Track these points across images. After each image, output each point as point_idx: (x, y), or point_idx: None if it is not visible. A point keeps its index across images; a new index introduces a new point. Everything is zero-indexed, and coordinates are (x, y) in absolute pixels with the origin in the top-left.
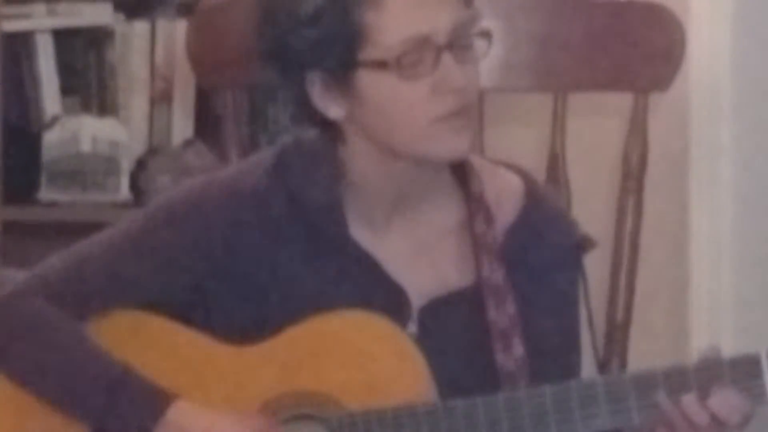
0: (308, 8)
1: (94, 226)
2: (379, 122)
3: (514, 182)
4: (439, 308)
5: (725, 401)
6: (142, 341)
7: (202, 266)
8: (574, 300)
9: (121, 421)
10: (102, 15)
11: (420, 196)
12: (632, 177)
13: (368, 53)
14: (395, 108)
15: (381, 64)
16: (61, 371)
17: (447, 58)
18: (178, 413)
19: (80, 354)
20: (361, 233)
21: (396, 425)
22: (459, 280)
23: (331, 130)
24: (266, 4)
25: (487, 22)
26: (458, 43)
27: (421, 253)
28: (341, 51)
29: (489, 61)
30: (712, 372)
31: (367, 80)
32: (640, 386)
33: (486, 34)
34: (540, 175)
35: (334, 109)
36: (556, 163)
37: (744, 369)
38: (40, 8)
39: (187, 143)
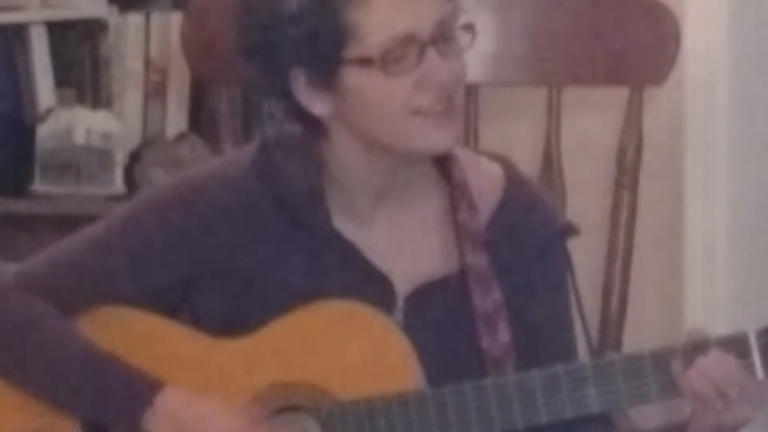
0: (292, 6)
1: (88, 219)
2: (364, 117)
3: (495, 171)
4: (425, 295)
5: (711, 360)
6: (129, 338)
7: (185, 261)
8: (561, 284)
9: (111, 410)
10: (96, 7)
11: (404, 186)
12: (627, 171)
13: (353, 50)
14: (380, 103)
15: (366, 61)
16: (49, 363)
17: (431, 53)
18: (167, 400)
19: (68, 345)
20: (344, 224)
21: (385, 413)
22: (444, 267)
23: (315, 125)
24: (248, 1)
25: (481, 16)
26: (442, 37)
27: (406, 241)
28: (326, 49)
29: (483, 55)
30: (699, 352)
31: (352, 77)
32: (627, 369)
33: (469, 27)
34: (535, 169)
35: (318, 105)
36: (550, 157)
37: (732, 347)
38: (34, 0)
39: (181, 136)
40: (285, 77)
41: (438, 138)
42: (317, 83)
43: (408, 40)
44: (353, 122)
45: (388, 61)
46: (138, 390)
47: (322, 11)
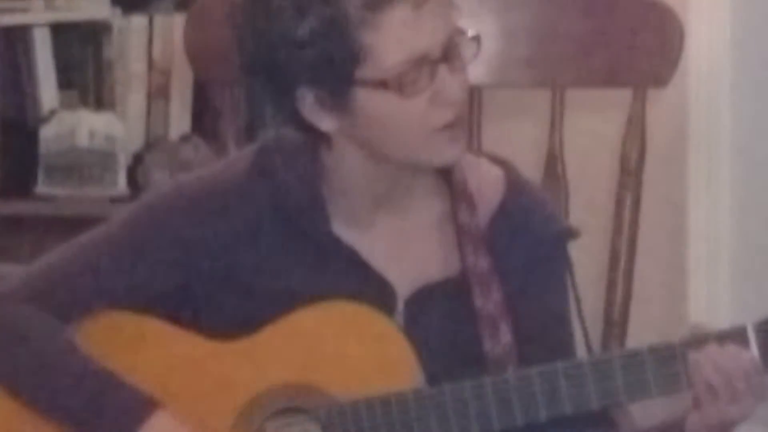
0: (303, 30)
1: (91, 221)
2: (374, 134)
3: (495, 173)
4: (425, 298)
5: (727, 353)
6: (130, 340)
7: (185, 265)
8: (561, 286)
9: (102, 427)
10: (99, 9)
11: (404, 191)
12: (630, 173)
13: (366, 72)
14: (393, 122)
15: (381, 84)
16: (44, 376)
17: (443, 71)
18: (158, 423)
19: (64, 359)
20: (343, 229)
21: (385, 413)
22: (444, 269)
23: (318, 135)
24: (253, 22)
25: (485, 17)
26: (451, 53)
27: (406, 245)
28: (337, 72)
29: (487, 57)
30: (698, 346)
31: (364, 97)
32: (627, 365)
33: (476, 39)
34: (538, 171)
35: (326, 122)
36: (554, 159)
37: (731, 341)
38: (38, 2)
39: (185, 138)
40: (291, 96)
41: (450, 154)
42: (326, 102)
43: (421, 60)
44: (363, 138)
45: (403, 83)
46: (131, 408)
47: (334, 35)
